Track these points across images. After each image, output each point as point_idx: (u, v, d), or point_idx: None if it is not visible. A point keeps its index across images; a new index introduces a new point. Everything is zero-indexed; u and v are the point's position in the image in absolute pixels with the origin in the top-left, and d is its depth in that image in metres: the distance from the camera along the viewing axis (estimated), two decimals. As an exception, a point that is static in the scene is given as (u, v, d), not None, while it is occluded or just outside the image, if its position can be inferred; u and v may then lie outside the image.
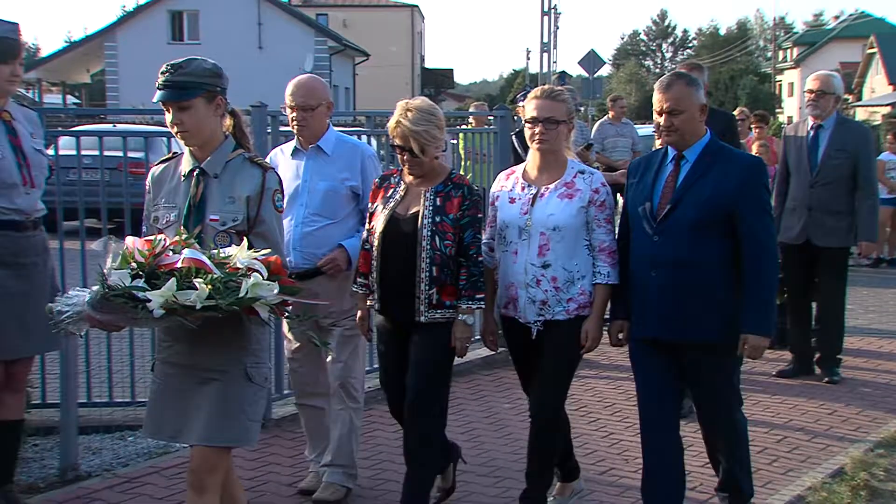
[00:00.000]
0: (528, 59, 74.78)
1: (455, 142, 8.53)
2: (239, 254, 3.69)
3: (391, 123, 4.78)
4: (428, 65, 72.45)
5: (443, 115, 4.84)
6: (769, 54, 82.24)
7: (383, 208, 4.86)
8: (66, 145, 7.06)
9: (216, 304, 3.52)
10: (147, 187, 4.21)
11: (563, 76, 23.27)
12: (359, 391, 5.39)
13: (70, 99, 41.70)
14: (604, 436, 6.59)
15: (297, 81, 5.30)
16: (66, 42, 49.48)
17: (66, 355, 5.70)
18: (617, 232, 4.87)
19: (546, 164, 4.87)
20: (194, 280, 3.53)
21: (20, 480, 5.34)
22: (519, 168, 5.03)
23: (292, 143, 5.41)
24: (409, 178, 4.89)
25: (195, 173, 4.05)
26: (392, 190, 4.91)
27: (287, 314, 3.91)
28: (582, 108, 21.13)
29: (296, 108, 5.23)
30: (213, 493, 3.97)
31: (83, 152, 6.52)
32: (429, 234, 4.72)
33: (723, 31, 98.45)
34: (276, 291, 3.65)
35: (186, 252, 3.62)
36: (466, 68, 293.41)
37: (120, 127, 12.12)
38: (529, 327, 4.83)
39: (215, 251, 3.73)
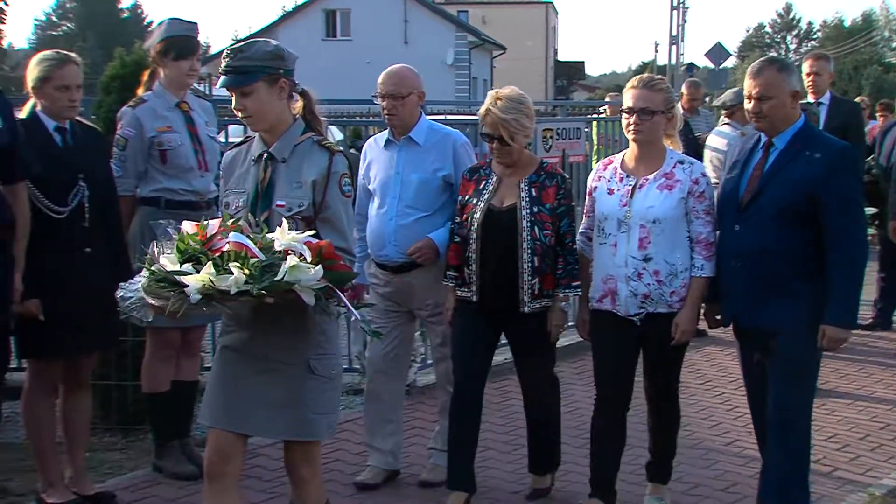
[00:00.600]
0: (657, 51, 73.21)
1: (588, 130, 8.51)
2: (280, 236, 3.30)
3: (481, 111, 4.57)
4: (561, 58, 71.78)
5: (531, 104, 4.62)
6: (894, 45, 79.03)
7: (477, 201, 4.62)
8: (234, 133, 7.25)
9: (250, 288, 3.16)
10: (221, 171, 3.91)
11: (690, 67, 22.89)
12: None
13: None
14: (728, 409, 6.49)
15: (388, 70, 4.97)
16: (234, 40, 50.56)
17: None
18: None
19: (644, 155, 4.49)
20: (230, 265, 3.18)
21: (195, 435, 5.52)
22: (617, 158, 4.61)
23: (385, 134, 5.07)
24: (499, 170, 4.66)
25: (263, 158, 3.67)
26: (484, 182, 4.66)
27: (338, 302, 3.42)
28: (707, 99, 20.67)
29: (386, 96, 4.87)
30: (311, 483, 3.73)
31: (240, 139, 6.65)
32: (528, 224, 4.52)
33: (847, 23, 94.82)
34: (319, 276, 3.22)
35: (231, 236, 3.28)
36: (597, 60, 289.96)
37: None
38: (629, 320, 4.46)
39: (259, 235, 3.36)
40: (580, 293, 4.65)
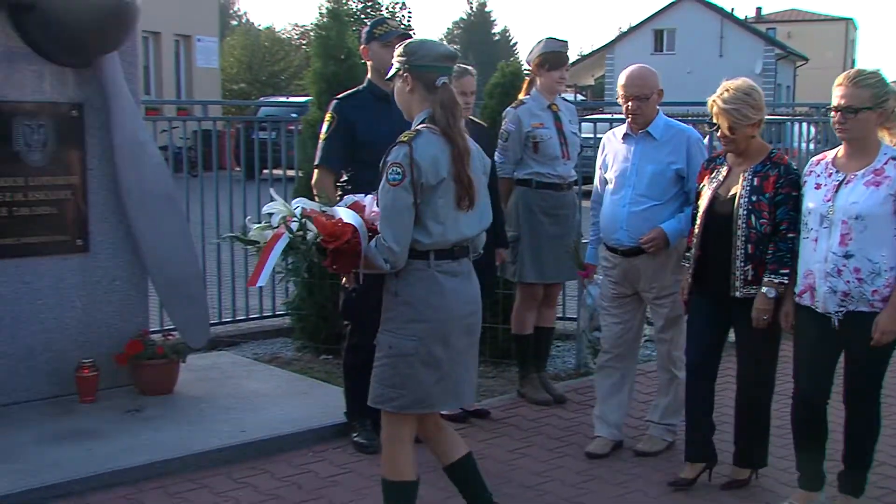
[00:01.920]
0: (952, 59, 65.15)
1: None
2: (280, 205, 3.15)
3: (709, 101, 3.86)
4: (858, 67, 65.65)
5: (760, 97, 3.80)
6: None
7: (707, 188, 3.94)
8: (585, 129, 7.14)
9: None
10: None
11: None
12: (684, 364, 4.29)
13: (578, 97, 42.67)
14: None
15: (629, 72, 4.30)
16: (579, 55, 50.67)
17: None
18: None
19: (854, 152, 3.56)
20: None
21: (549, 370, 5.50)
22: (831, 153, 3.70)
23: (623, 127, 4.39)
24: (731, 159, 3.92)
25: None
26: (716, 171, 3.95)
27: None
28: None
29: (630, 97, 4.24)
30: (384, 450, 3.25)
31: (589, 135, 6.52)
32: (745, 213, 3.75)
33: None
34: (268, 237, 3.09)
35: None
36: (892, 69, 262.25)
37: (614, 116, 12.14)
38: (828, 317, 3.55)
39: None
40: (786, 281, 3.73)
